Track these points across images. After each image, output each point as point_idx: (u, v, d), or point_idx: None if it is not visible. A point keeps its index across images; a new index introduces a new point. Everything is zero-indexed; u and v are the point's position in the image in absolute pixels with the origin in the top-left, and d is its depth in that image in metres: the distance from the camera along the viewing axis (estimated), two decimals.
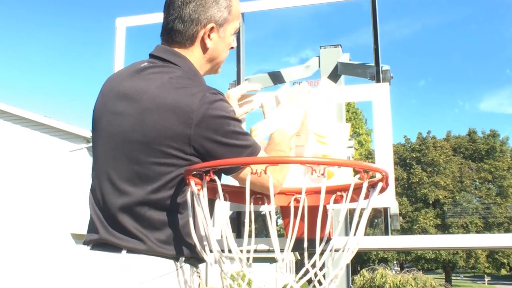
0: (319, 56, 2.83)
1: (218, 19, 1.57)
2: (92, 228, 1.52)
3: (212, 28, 1.57)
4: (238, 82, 2.36)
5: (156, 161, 1.42)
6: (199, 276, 1.55)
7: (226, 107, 1.46)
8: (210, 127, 1.41)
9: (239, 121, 1.49)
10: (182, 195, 1.45)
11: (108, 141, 1.50)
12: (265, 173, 1.30)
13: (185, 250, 1.46)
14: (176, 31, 1.57)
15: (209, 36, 1.57)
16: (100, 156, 1.53)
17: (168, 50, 1.58)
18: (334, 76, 2.69)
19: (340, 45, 2.86)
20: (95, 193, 1.53)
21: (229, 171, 1.50)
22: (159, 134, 1.41)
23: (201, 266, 1.59)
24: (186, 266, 1.48)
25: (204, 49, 1.59)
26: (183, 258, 1.46)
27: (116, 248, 1.43)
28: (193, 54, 1.59)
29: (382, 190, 1.44)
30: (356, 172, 1.38)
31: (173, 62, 1.55)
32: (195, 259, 1.51)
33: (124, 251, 1.41)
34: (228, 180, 2.26)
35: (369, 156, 33.19)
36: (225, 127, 1.43)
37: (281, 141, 1.70)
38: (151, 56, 1.61)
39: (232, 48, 1.69)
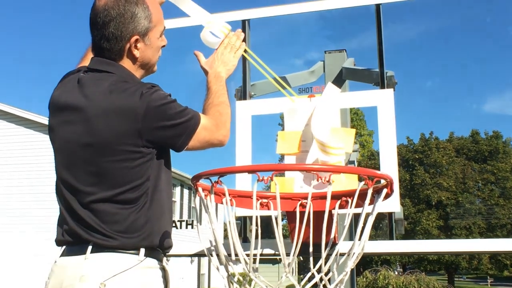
0: (323, 61, 2.85)
1: (141, 29, 1.65)
2: (61, 221, 1.63)
3: (136, 40, 1.65)
4: (244, 87, 2.38)
5: (110, 159, 1.55)
6: (164, 269, 1.63)
7: (162, 95, 1.61)
8: (155, 117, 1.55)
9: (175, 100, 1.63)
10: (138, 188, 1.56)
11: (64, 149, 1.63)
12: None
13: (144, 241, 1.55)
14: (104, 49, 1.66)
15: (136, 47, 1.66)
16: (58, 163, 1.65)
17: (102, 61, 1.68)
18: (339, 81, 2.69)
19: (345, 50, 2.86)
20: (58, 194, 1.65)
21: (181, 146, 1.61)
22: (111, 135, 1.53)
23: (171, 260, 1.66)
24: (149, 260, 1.56)
25: (133, 59, 1.69)
26: (144, 250, 1.55)
27: (81, 246, 1.53)
28: (125, 65, 1.69)
29: (387, 196, 1.46)
30: (361, 178, 1.40)
31: (108, 71, 1.65)
32: (156, 251, 1.61)
33: (89, 247, 1.52)
34: (233, 186, 2.28)
35: (372, 157, 33.14)
36: (167, 112, 1.58)
37: (218, 89, 1.82)
38: (89, 69, 1.70)
39: (164, 46, 1.77)
